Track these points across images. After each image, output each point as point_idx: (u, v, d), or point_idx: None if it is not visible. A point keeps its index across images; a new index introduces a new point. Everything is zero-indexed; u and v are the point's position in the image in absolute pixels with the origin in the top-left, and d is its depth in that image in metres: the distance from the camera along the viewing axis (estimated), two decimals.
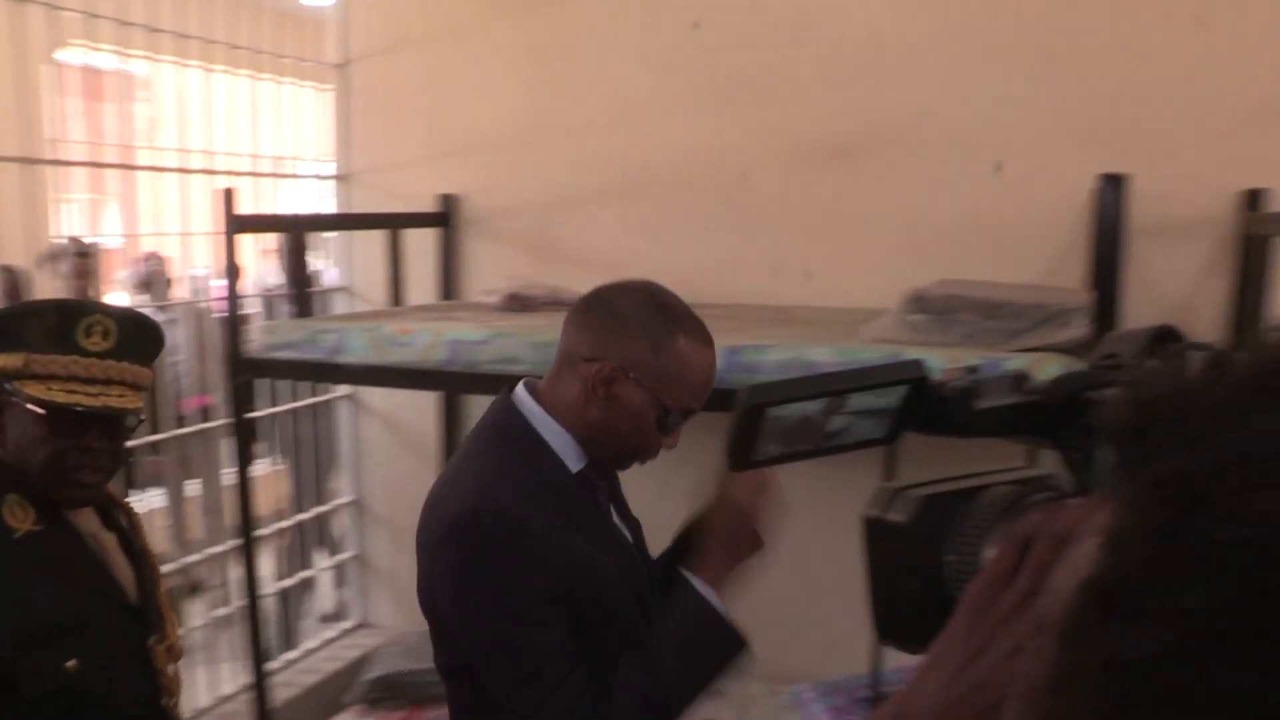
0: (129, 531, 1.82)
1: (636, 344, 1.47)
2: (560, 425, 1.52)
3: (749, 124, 3.20)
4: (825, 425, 0.76)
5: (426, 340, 2.63)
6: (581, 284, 3.24)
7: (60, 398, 1.62)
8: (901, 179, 3.07)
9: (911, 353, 2.11)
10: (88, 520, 1.75)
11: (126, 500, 1.89)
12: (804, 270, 3.16)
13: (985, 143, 2.98)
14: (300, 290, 3.30)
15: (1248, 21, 2.75)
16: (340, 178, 3.73)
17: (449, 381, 2.80)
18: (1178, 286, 2.86)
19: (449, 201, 3.56)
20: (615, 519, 1.62)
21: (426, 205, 3.56)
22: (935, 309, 2.31)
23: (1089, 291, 2.52)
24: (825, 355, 2.18)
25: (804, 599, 2.95)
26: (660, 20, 3.29)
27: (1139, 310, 2.65)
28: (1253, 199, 2.76)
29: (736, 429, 0.73)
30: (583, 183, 3.40)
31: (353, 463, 3.88)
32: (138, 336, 1.73)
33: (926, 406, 0.76)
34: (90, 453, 1.66)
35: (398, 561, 3.86)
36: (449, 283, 3.58)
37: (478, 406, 3.64)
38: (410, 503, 3.69)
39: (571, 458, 1.52)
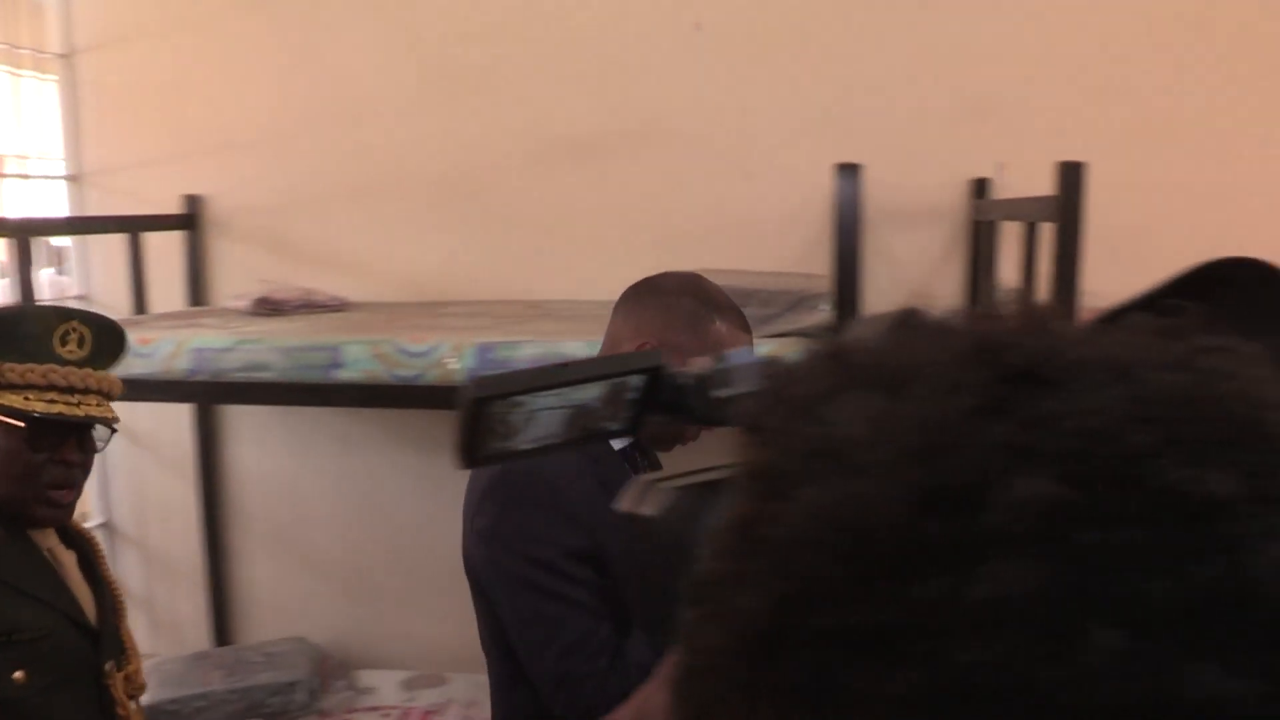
0: (90, 556, 1.72)
1: (676, 325, 1.53)
2: None
3: (496, 120, 3.17)
4: (598, 414, 0.74)
5: (168, 350, 2.48)
6: (336, 285, 3.18)
7: (41, 408, 1.52)
8: (648, 172, 3.11)
9: None
10: (45, 535, 1.64)
11: (84, 527, 1.78)
12: (555, 265, 3.16)
13: (728, 136, 3.07)
14: (27, 299, 3.04)
15: (966, 16, 2.94)
16: (71, 178, 3.47)
17: (196, 392, 2.65)
18: (917, 270, 3.04)
19: (194, 203, 3.37)
20: None
21: (170, 207, 3.35)
22: None
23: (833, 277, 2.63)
24: (579, 349, 2.18)
25: None
26: (406, 16, 3.21)
27: (882, 294, 2.80)
28: (979, 187, 2.96)
29: (460, 424, 0.71)
30: (332, 181, 3.29)
31: (100, 483, 3.62)
32: (109, 343, 1.64)
33: (663, 395, 0.75)
34: (66, 467, 1.57)
35: (154, 586, 3.64)
36: (196, 288, 3.39)
37: (233, 417, 3.48)
38: (165, 523, 3.56)
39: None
